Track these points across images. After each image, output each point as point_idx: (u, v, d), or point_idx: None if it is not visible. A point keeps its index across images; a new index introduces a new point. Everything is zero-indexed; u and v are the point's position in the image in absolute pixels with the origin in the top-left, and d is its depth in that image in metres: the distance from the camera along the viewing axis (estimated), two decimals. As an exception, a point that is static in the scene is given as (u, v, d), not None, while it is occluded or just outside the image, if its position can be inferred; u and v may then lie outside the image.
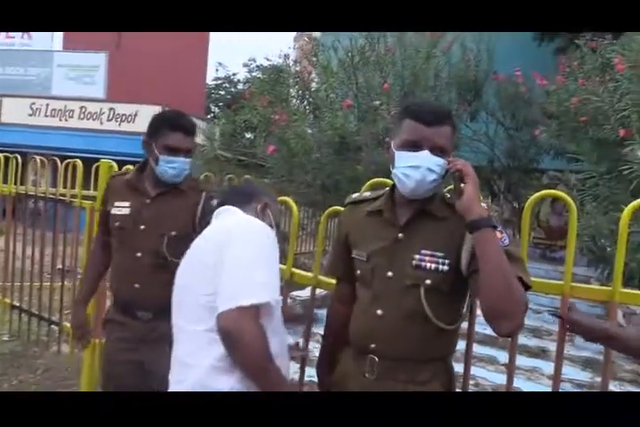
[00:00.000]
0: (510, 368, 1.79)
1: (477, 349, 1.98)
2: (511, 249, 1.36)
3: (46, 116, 13.50)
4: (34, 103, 13.50)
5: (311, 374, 1.91)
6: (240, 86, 24.62)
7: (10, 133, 12.79)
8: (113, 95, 13.84)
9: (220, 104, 23.56)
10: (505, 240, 1.35)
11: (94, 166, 3.59)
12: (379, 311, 1.48)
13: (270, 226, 1.58)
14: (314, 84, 5.95)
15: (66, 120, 13.43)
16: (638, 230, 2.93)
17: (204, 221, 2.01)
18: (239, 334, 1.33)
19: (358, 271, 1.56)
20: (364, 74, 5.15)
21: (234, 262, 1.40)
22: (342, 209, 1.77)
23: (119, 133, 12.88)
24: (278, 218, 1.74)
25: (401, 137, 1.44)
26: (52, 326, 4.04)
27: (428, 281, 1.44)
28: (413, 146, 1.40)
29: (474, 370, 1.89)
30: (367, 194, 1.65)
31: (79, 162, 3.73)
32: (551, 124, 4.62)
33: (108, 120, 13.19)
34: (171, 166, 2.01)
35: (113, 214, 2.11)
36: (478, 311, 1.83)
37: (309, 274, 2.12)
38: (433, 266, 1.44)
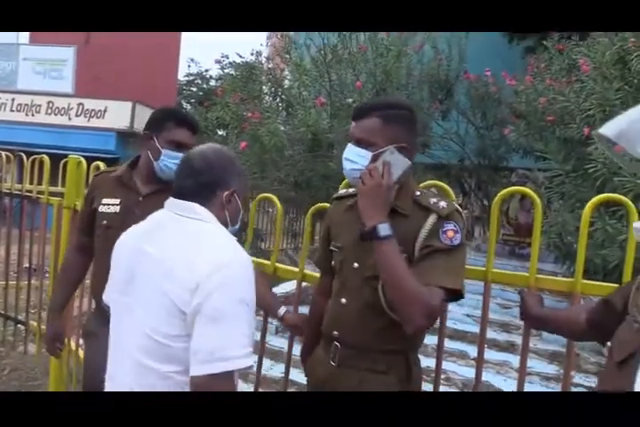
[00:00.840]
0: (479, 362, 1.82)
1: (448, 343, 2.02)
2: (452, 253, 1.41)
3: (12, 110, 13.18)
4: (-1, 98, 13.18)
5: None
6: (212, 83, 24.37)
7: (-27, 129, 12.47)
8: (82, 90, 13.56)
9: (192, 101, 23.31)
10: (455, 240, 1.41)
11: (62, 162, 3.52)
12: (343, 300, 1.56)
13: (233, 221, 1.44)
14: (286, 82, 5.95)
15: (33, 115, 13.12)
16: (601, 227, 3.02)
17: None
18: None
19: (332, 262, 1.63)
20: (337, 71, 5.18)
21: (214, 320, 1.21)
22: (327, 206, 1.84)
23: (88, 129, 12.65)
24: (246, 204, 1.68)
25: None
26: (19, 325, 3.96)
27: None
28: (350, 140, 1.54)
29: (445, 364, 1.91)
30: (352, 190, 1.68)
31: (46, 158, 3.65)
32: (520, 124, 4.71)
33: (77, 116, 12.94)
34: (174, 162, 1.90)
35: (100, 213, 2.01)
36: (449, 307, 1.87)
37: (295, 269, 2.12)
38: None
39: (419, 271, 1.39)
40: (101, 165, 2.92)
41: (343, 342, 1.55)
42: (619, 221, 3.02)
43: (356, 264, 1.54)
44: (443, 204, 1.46)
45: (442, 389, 1.90)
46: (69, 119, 12.94)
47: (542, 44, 5.15)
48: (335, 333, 1.56)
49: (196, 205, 1.36)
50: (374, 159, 1.46)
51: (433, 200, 1.47)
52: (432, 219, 1.44)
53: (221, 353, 1.20)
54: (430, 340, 4.50)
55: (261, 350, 2.12)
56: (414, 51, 5.95)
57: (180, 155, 1.90)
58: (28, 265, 4.12)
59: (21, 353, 3.95)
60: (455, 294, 1.42)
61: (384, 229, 1.38)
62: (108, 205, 2.01)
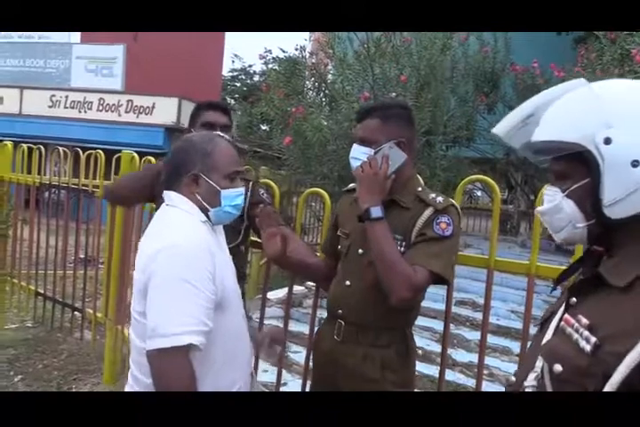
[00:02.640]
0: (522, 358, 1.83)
1: (491, 339, 2.02)
2: (443, 242, 1.56)
3: (66, 107, 13.65)
4: (53, 95, 13.65)
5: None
6: (256, 78, 24.61)
7: (30, 125, 12.98)
8: (131, 87, 13.94)
9: (236, 96, 23.56)
10: (447, 231, 1.57)
11: (114, 158, 3.67)
12: (347, 282, 1.72)
13: (210, 203, 1.44)
14: (330, 77, 5.97)
15: (85, 112, 13.56)
16: None
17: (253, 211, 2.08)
18: (161, 378, 1.28)
19: (339, 247, 1.80)
20: (381, 65, 5.16)
21: (156, 297, 1.30)
22: (319, 191, 2.17)
23: (137, 125, 13.00)
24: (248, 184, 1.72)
25: None
26: (76, 312, 4.14)
27: None
28: (355, 140, 1.71)
29: (488, 360, 1.92)
30: None
31: (101, 153, 3.81)
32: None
33: (126, 112, 13.29)
34: None
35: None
36: (493, 303, 1.89)
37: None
38: None
39: (410, 254, 1.57)
40: (152, 159, 3.04)
41: (347, 319, 1.70)
42: None
43: (360, 250, 1.70)
44: (440, 199, 1.62)
45: (484, 384, 1.91)
46: (119, 115, 13.30)
47: (593, 34, 5.00)
48: (339, 311, 1.72)
49: (171, 193, 1.46)
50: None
51: (432, 195, 1.64)
52: (429, 211, 1.60)
53: (161, 330, 1.26)
54: (473, 335, 4.51)
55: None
56: (459, 43, 5.87)
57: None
58: (82, 256, 4.31)
59: (77, 339, 4.14)
60: (440, 280, 1.57)
61: (376, 211, 1.57)
62: None
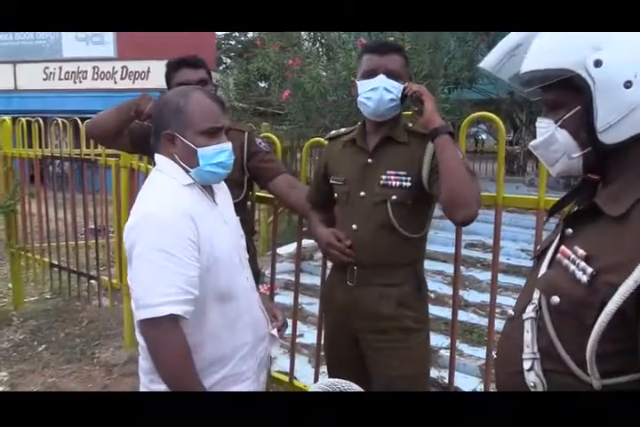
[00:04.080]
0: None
1: (502, 278, 2.02)
2: (467, 162, 1.56)
3: (60, 79, 13.45)
4: (47, 67, 13.42)
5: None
6: (250, 34, 24.02)
7: (27, 100, 12.85)
8: (124, 53, 13.68)
9: (232, 54, 23.08)
10: (459, 153, 1.55)
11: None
12: (354, 226, 1.71)
13: (188, 163, 1.37)
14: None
15: (80, 82, 13.36)
16: None
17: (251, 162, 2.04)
18: (151, 348, 1.29)
19: (336, 194, 1.78)
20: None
21: (137, 268, 1.29)
22: (321, 140, 2.05)
23: (134, 91, 12.82)
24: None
25: (361, 70, 1.67)
26: (92, 281, 4.21)
27: (394, 197, 1.65)
28: (371, 74, 1.63)
29: (499, 299, 1.93)
30: (342, 130, 1.89)
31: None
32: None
33: (122, 79, 13.08)
34: None
35: None
36: (503, 243, 1.88)
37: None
38: (397, 183, 1.65)
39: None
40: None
41: (359, 263, 1.70)
42: None
43: (362, 193, 1.70)
44: None
45: (497, 322, 1.93)
46: (115, 83, 13.10)
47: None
48: None
49: (158, 156, 1.40)
50: (404, 91, 1.63)
51: (422, 129, 1.63)
52: (432, 144, 1.58)
53: (143, 301, 1.26)
54: (484, 276, 4.54)
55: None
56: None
57: None
58: (93, 226, 4.34)
59: (96, 306, 4.24)
60: None
61: (450, 126, 1.56)
62: None
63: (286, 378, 2.45)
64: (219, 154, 1.38)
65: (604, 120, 0.82)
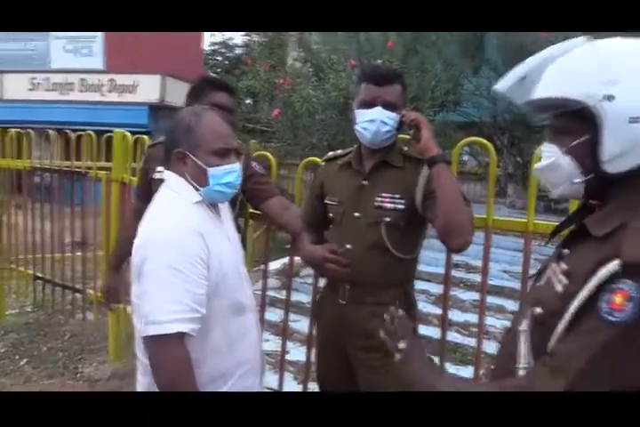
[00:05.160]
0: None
1: (487, 299, 2.09)
2: (461, 189, 1.61)
3: (47, 90, 13.37)
4: (34, 78, 13.33)
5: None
6: (237, 51, 24.17)
7: (13, 110, 12.74)
8: (112, 66, 13.68)
9: (219, 70, 23.19)
10: (455, 181, 1.61)
11: (103, 138, 3.64)
12: (347, 246, 1.75)
13: (198, 182, 1.39)
14: (315, 46, 5.90)
15: (67, 93, 13.33)
16: None
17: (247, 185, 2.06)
18: (154, 363, 1.30)
19: (331, 214, 1.83)
20: (366, 32, 5.11)
21: (147, 284, 1.30)
22: (317, 160, 2.11)
23: (120, 105, 12.81)
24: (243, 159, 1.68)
25: (359, 98, 1.72)
26: (76, 294, 4.17)
27: (387, 218, 1.71)
28: (369, 104, 1.68)
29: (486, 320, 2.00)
30: (340, 151, 1.93)
31: (92, 134, 3.78)
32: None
33: (109, 91, 13.05)
34: None
35: (153, 179, 2.11)
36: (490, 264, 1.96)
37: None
38: (391, 206, 1.71)
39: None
40: (146, 138, 3.03)
41: (351, 281, 1.75)
42: None
43: (356, 214, 1.75)
44: None
45: (484, 343, 1.99)
46: (102, 95, 13.06)
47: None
48: None
49: (167, 173, 1.42)
50: (400, 121, 1.69)
51: (418, 153, 1.68)
52: (426, 169, 1.64)
53: (152, 317, 1.27)
54: (468, 296, 4.58)
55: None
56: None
57: None
58: (76, 239, 4.30)
59: (80, 320, 4.17)
60: None
61: (447, 155, 1.62)
62: (158, 172, 2.09)
63: (275, 394, 2.47)
64: (228, 174, 1.41)
65: (609, 151, 0.87)
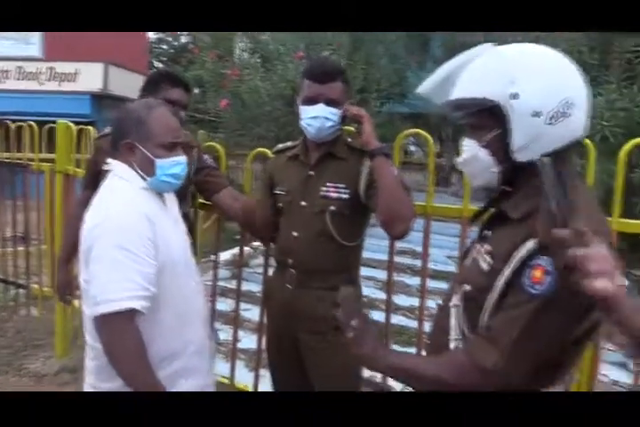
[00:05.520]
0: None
1: (430, 283, 2.20)
2: (402, 179, 1.69)
3: (-20, 78, 12.77)
4: (-33, 65, 12.73)
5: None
6: (183, 40, 23.65)
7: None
8: (51, 54, 13.14)
9: (164, 59, 22.66)
10: (394, 172, 1.69)
11: (45, 129, 3.55)
12: (295, 233, 1.83)
13: (146, 172, 1.46)
14: (263, 37, 5.89)
15: (3, 82, 12.74)
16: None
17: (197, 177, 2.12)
18: (106, 343, 1.34)
19: (280, 204, 1.90)
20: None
21: (96, 266, 1.35)
22: (265, 151, 2.21)
23: (61, 94, 12.36)
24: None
25: (302, 94, 1.78)
26: (20, 289, 4.07)
27: (332, 207, 1.78)
28: (311, 101, 1.74)
29: (428, 302, 2.11)
30: (289, 143, 1.99)
31: (33, 124, 3.67)
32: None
33: (48, 80, 12.57)
34: None
35: (102, 170, 2.13)
36: (430, 250, 2.05)
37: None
38: (336, 195, 1.78)
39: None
40: (91, 129, 2.98)
41: (298, 267, 1.84)
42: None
43: (303, 203, 1.82)
44: None
45: (426, 325, 2.09)
46: (40, 84, 12.59)
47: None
48: (290, 260, 1.85)
49: (115, 162, 1.49)
50: (343, 115, 1.76)
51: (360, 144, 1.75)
52: (368, 162, 1.72)
53: (102, 296, 1.32)
54: (413, 281, 4.73)
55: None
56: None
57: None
58: (18, 234, 4.18)
59: (24, 316, 4.07)
60: None
61: (387, 148, 1.69)
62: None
63: (227, 381, 2.52)
64: (174, 166, 1.48)
65: (517, 143, 0.99)
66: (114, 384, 1.38)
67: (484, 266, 0.99)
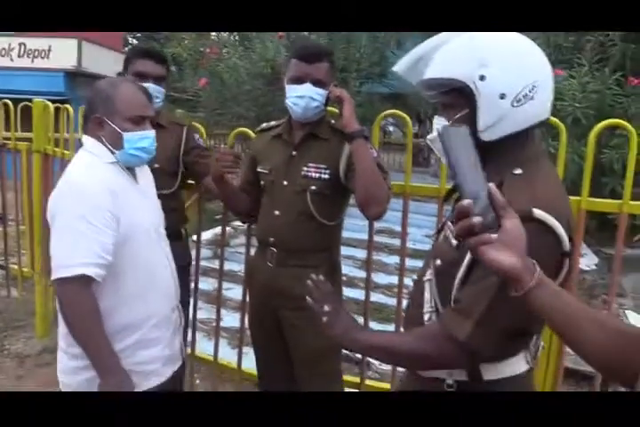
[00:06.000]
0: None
1: (409, 262, 2.25)
2: (379, 161, 1.73)
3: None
4: None
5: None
6: (159, 15, 23.03)
7: None
8: (21, 28, 12.74)
9: (139, 35, 22.12)
10: (374, 154, 1.72)
11: (19, 107, 3.49)
12: (276, 212, 1.87)
13: (114, 146, 1.51)
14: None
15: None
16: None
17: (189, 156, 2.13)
18: (62, 306, 1.40)
19: (262, 182, 1.93)
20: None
21: (56, 234, 1.43)
22: (246, 130, 2.24)
23: (33, 70, 12.03)
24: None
25: (289, 73, 1.80)
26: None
27: (313, 187, 1.82)
28: (298, 80, 1.77)
29: (406, 280, 2.17)
30: (273, 123, 2.01)
31: (9, 102, 3.60)
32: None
33: (20, 56, 12.22)
34: None
35: None
36: (409, 229, 2.11)
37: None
38: (317, 175, 1.82)
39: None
40: (69, 108, 2.94)
41: (279, 246, 1.87)
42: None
43: (285, 182, 1.85)
44: None
45: (404, 302, 2.15)
46: (12, 60, 12.22)
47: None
48: (271, 239, 1.88)
49: (85, 137, 1.55)
50: (327, 97, 1.79)
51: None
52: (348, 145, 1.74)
53: (60, 261, 1.40)
54: (391, 260, 4.80)
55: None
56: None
57: (145, 84, 1.85)
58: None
59: (4, 297, 4.05)
60: None
61: (365, 131, 1.71)
62: None
63: (210, 358, 2.58)
64: (142, 140, 1.53)
65: (484, 122, 1.03)
66: (79, 349, 1.43)
67: (454, 241, 1.05)
